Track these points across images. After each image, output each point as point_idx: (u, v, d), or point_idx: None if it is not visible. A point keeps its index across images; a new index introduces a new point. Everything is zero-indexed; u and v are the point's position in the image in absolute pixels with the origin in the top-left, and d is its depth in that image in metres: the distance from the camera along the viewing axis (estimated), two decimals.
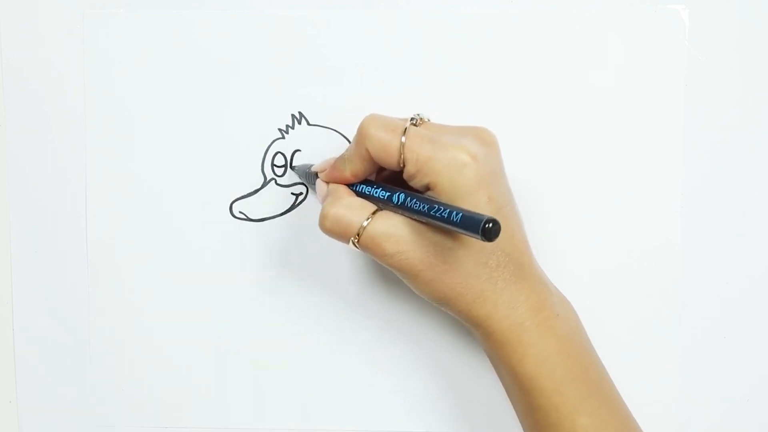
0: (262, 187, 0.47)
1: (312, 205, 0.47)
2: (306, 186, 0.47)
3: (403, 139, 0.38)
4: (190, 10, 0.46)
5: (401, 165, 0.38)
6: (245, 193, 0.47)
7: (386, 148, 0.38)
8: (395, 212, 0.39)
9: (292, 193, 0.47)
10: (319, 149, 0.46)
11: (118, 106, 0.47)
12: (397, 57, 0.46)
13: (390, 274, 0.44)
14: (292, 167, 0.47)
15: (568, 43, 0.45)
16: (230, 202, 0.47)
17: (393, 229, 0.38)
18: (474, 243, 0.38)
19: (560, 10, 0.45)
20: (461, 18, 0.45)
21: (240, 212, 0.47)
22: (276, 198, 0.47)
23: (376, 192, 0.40)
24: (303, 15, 0.46)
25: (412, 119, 0.40)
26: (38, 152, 0.47)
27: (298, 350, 0.47)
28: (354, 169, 0.40)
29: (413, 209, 0.37)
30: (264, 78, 0.46)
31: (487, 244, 0.38)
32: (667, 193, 0.46)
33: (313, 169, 0.44)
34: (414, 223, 0.38)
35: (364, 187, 0.41)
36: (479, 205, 0.37)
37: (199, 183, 0.47)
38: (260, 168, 0.47)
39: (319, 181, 0.43)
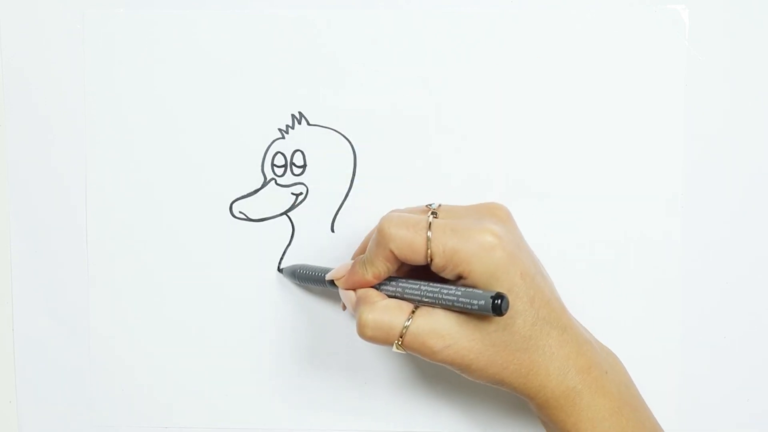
0: (262, 187, 0.47)
1: (312, 205, 0.47)
2: (304, 188, 0.47)
3: (429, 234, 0.37)
4: (190, 10, 0.46)
5: (428, 260, 0.38)
6: (245, 193, 0.47)
7: (411, 245, 0.38)
8: (432, 306, 0.38)
9: (292, 193, 0.47)
10: (319, 149, 0.46)
11: (118, 106, 0.47)
12: (397, 57, 0.46)
13: None
14: (279, 270, 0.47)
15: (568, 43, 0.45)
16: (230, 202, 0.47)
17: (436, 325, 0.38)
18: (514, 319, 0.37)
19: (560, 10, 0.45)
20: (461, 18, 0.45)
21: (240, 212, 0.47)
22: (276, 198, 0.47)
23: (404, 290, 0.39)
24: (303, 15, 0.46)
25: (432, 212, 0.39)
26: (38, 152, 0.47)
27: (298, 350, 0.47)
28: (377, 271, 0.40)
29: (439, 301, 0.37)
30: (264, 78, 0.46)
31: (527, 316, 0.37)
32: (667, 193, 0.46)
33: (328, 276, 0.43)
34: (454, 313, 0.38)
35: (388, 287, 0.40)
36: (514, 282, 0.37)
37: (199, 183, 0.47)
38: (260, 168, 0.47)
39: (343, 291, 0.41)
